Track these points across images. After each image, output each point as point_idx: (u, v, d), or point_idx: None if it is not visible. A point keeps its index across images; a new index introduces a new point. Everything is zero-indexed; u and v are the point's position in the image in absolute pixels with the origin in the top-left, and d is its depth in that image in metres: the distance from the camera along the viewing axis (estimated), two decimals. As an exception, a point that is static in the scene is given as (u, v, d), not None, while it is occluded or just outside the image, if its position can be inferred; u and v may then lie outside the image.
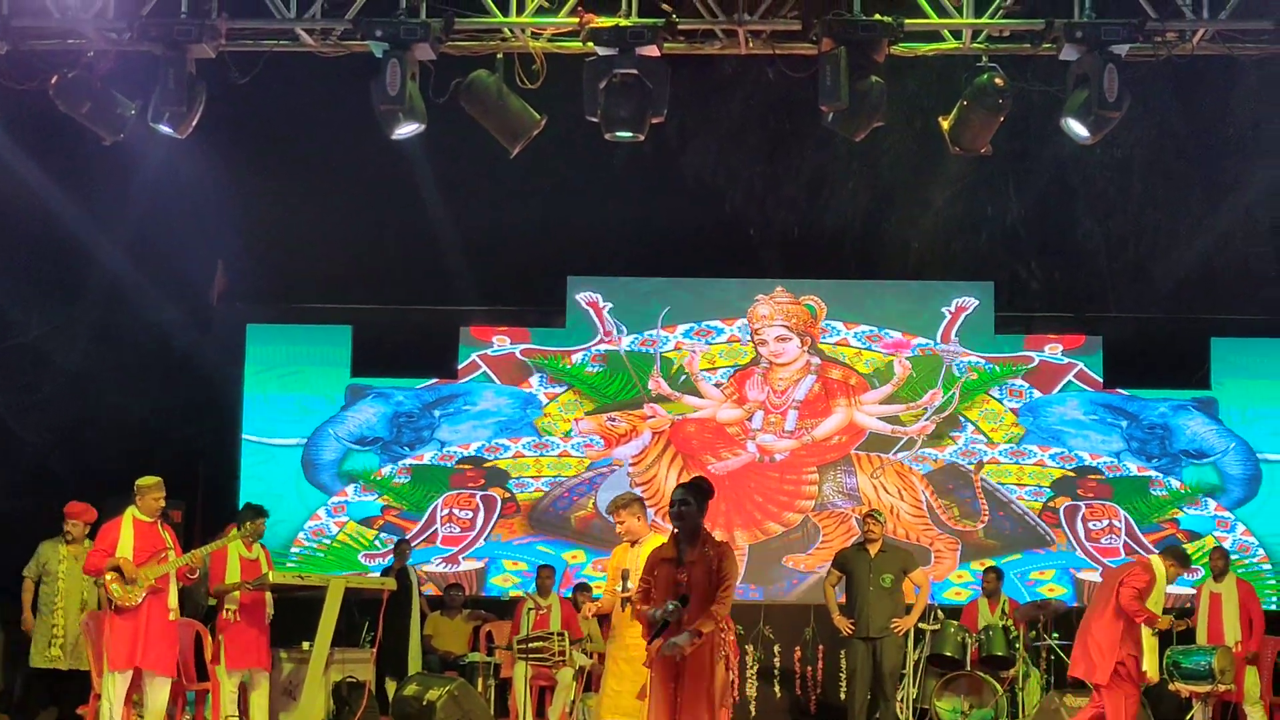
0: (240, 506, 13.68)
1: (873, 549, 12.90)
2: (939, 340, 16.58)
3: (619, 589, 9.55)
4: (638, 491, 14.46)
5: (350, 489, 16.56)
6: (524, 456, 16.62)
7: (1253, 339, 16.60)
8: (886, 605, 12.76)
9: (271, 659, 12.26)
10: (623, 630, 9.63)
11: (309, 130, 14.39)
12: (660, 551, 8.90)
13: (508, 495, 16.52)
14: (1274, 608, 15.25)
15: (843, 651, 14.00)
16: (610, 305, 16.74)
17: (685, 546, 8.73)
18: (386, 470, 16.61)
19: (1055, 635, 14.09)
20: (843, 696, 14.43)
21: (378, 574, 15.27)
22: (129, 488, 11.61)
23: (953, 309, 16.59)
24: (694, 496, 8.76)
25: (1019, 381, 16.56)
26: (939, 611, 14.41)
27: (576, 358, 16.70)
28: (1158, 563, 11.16)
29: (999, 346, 16.61)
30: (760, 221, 16.12)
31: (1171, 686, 12.68)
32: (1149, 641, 11.00)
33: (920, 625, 13.73)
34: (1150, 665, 11.00)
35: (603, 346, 16.70)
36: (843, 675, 14.57)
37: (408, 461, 16.59)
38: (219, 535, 12.24)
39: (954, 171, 14.72)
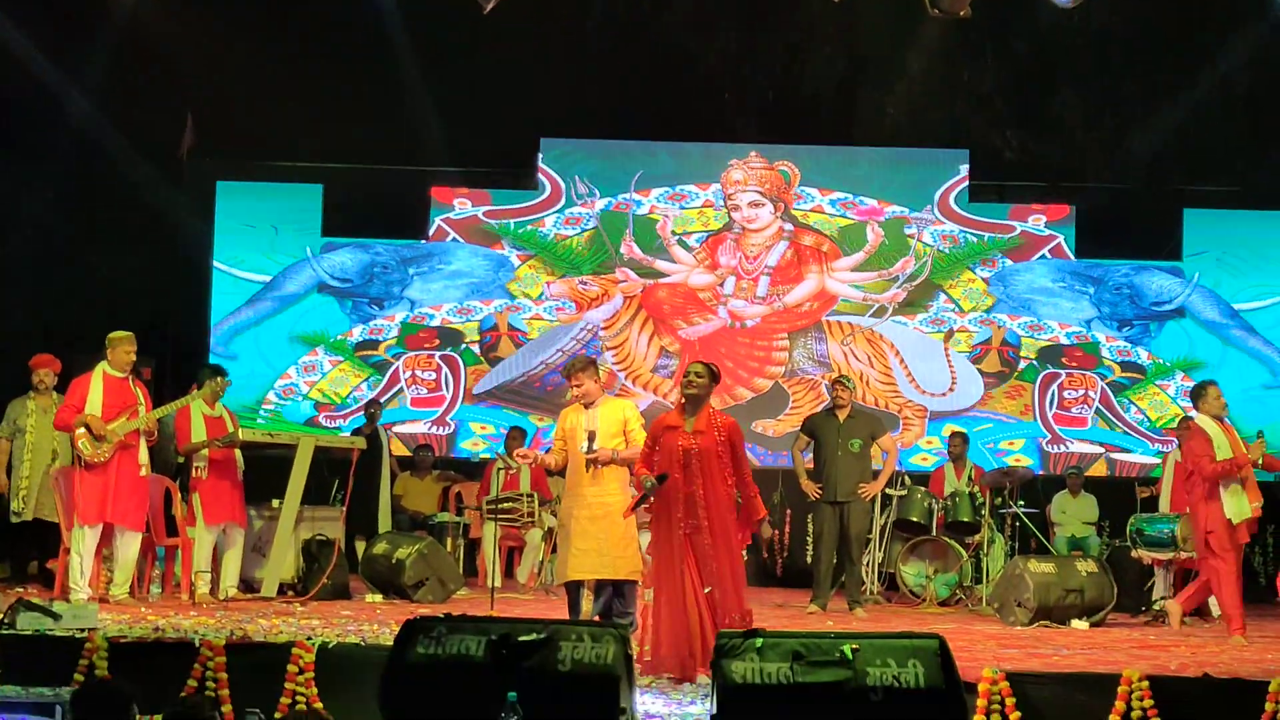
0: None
1: (841, 415, 12.94)
2: (936, 209, 16.55)
3: (583, 449, 9.61)
4: (594, 354, 14.56)
5: (319, 349, 16.54)
6: (487, 318, 16.60)
7: (1226, 210, 16.65)
8: (854, 470, 12.81)
9: (246, 515, 12.27)
10: (584, 489, 9.68)
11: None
12: (666, 420, 9.17)
13: (471, 358, 16.53)
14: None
15: (810, 515, 14.08)
16: (582, 168, 16.66)
17: (690, 417, 9.02)
18: (356, 332, 16.59)
19: (1020, 502, 14.22)
20: (809, 560, 14.55)
21: (347, 434, 15.31)
22: (97, 345, 11.55)
23: (944, 176, 16.55)
24: (708, 373, 9.09)
25: (999, 254, 16.60)
26: (906, 477, 14.54)
27: (549, 222, 16.63)
28: (1200, 420, 11.17)
29: (982, 214, 16.62)
30: (735, 85, 15.96)
31: (1134, 553, 12.83)
32: (1232, 489, 10.98)
33: (887, 490, 13.84)
34: (1237, 508, 10.96)
35: (573, 210, 16.63)
36: (809, 539, 14.69)
37: (375, 323, 16.57)
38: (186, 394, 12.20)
39: (931, 38, 14.57)
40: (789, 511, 15.94)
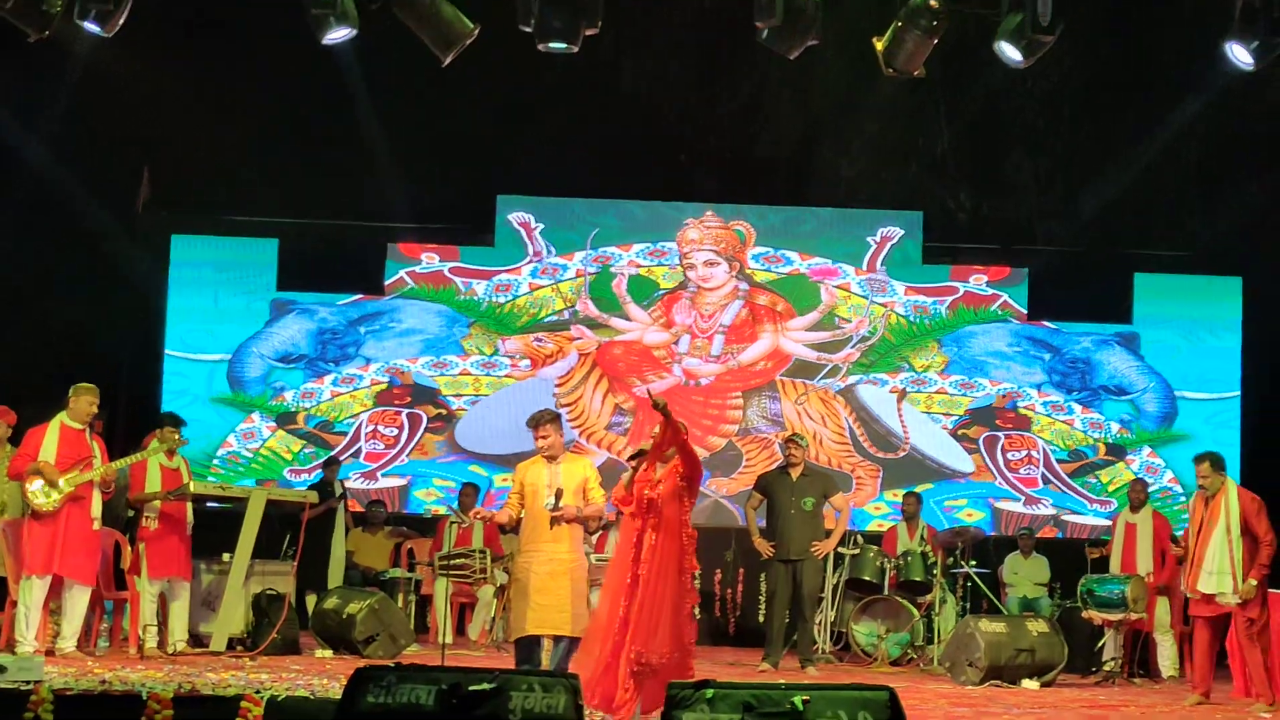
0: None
1: (794, 473, 12.95)
2: (865, 266, 16.66)
3: (548, 505, 9.59)
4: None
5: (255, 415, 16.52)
6: (442, 375, 16.57)
7: (1176, 275, 16.80)
8: (807, 529, 12.81)
9: (192, 569, 12.18)
10: (543, 544, 9.65)
11: (240, 34, 14.15)
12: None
13: (436, 413, 16.48)
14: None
15: (763, 574, 14.07)
16: (540, 225, 16.70)
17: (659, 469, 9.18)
18: (307, 388, 16.53)
19: (972, 562, 14.26)
20: (761, 619, 14.53)
21: (302, 488, 15.24)
22: (49, 395, 11.49)
23: (878, 238, 16.69)
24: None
25: (942, 310, 16.69)
26: (858, 536, 14.55)
27: (502, 279, 16.64)
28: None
29: (926, 276, 16.75)
30: (692, 145, 16.07)
31: (1084, 614, 12.85)
32: None
33: (840, 549, 13.84)
34: None
35: (530, 267, 16.66)
36: (762, 598, 14.66)
37: (331, 381, 16.52)
38: (140, 447, 12.12)
39: (886, 99, 14.68)
40: (741, 570, 15.91)
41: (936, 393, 16.61)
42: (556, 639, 9.75)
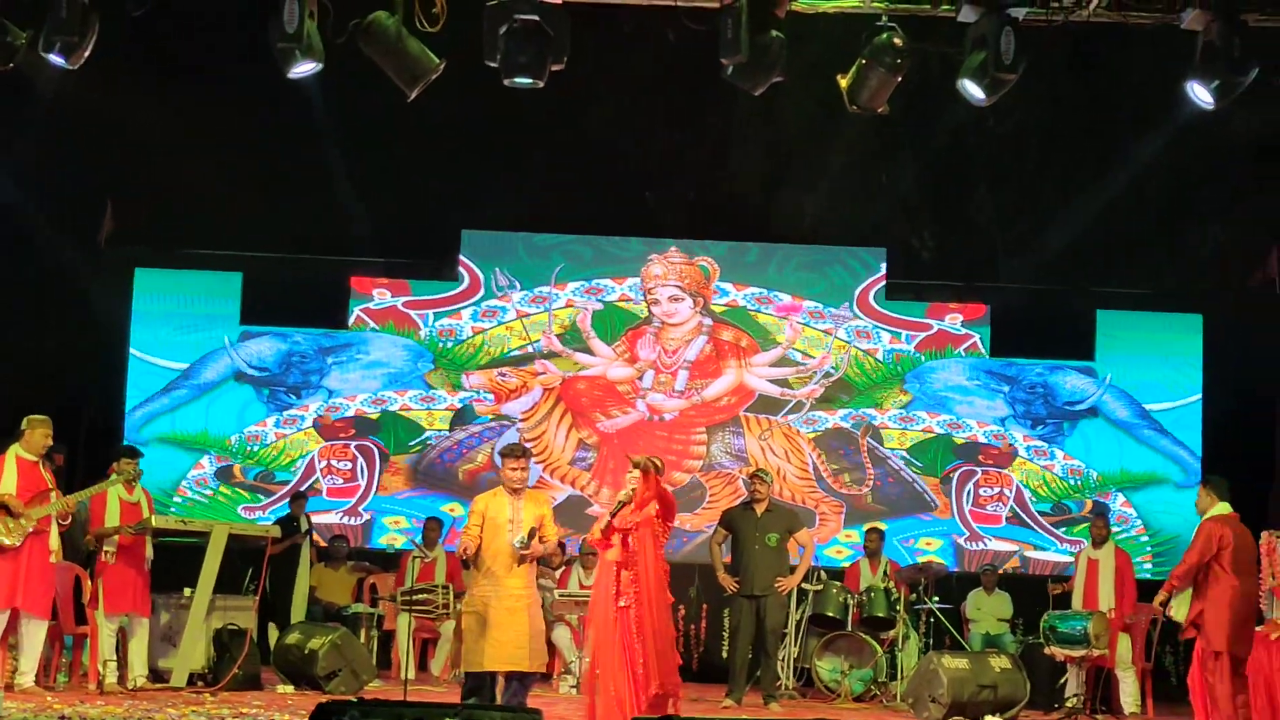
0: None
1: (759, 508, 12.94)
2: (854, 306, 16.69)
3: (518, 542, 9.66)
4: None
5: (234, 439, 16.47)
6: (411, 409, 16.55)
7: (1138, 312, 16.90)
8: (771, 564, 12.80)
9: (151, 604, 12.10)
10: (504, 578, 9.73)
11: (204, 67, 14.15)
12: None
13: (388, 449, 16.46)
14: (1149, 576, 15.49)
15: (726, 610, 14.05)
16: (504, 260, 16.71)
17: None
18: (270, 422, 16.49)
19: (935, 598, 14.27)
20: (725, 655, 14.51)
21: (266, 522, 15.17)
22: (7, 429, 11.41)
23: (862, 274, 16.72)
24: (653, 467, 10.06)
25: (905, 348, 16.75)
26: (822, 572, 14.53)
27: (465, 314, 16.63)
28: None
29: (900, 313, 16.78)
30: (657, 182, 16.11)
31: (1047, 650, 12.87)
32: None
33: (803, 585, 13.83)
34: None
35: (492, 303, 16.66)
36: (725, 633, 14.65)
37: (290, 414, 16.49)
38: (101, 480, 12.05)
39: (851, 137, 14.74)
40: (705, 605, 15.91)
41: (899, 428, 16.64)
42: (509, 675, 9.82)
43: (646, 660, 9.63)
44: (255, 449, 16.49)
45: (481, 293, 16.66)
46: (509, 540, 9.74)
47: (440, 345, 16.59)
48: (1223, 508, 11.06)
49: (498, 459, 10.36)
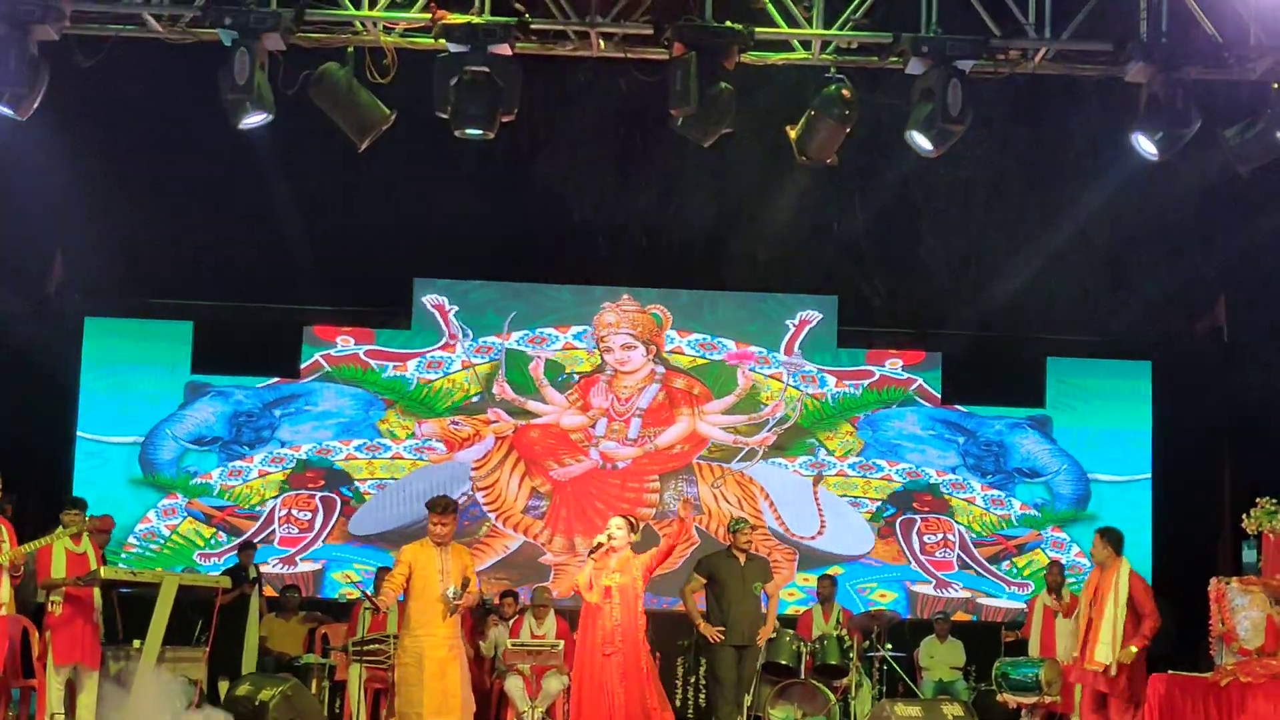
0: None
1: (742, 557, 12.76)
2: (782, 352, 16.78)
3: (451, 593, 9.85)
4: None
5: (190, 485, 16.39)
6: (356, 459, 16.51)
7: (1087, 359, 17.03)
8: (755, 614, 12.60)
9: (100, 656, 11.99)
10: (438, 629, 9.98)
11: (155, 118, 14.11)
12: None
13: (348, 499, 16.41)
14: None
15: (679, 659, 13.90)
16: (456, 309, 16.72)
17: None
18: (220, 472, 16.41)
19: (888, 645, 14.28)
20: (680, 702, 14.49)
21: (215, 573, 15.06)
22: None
23: (796, 322, 16.82)
24: (627, 525, 11.24)
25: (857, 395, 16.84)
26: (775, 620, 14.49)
27: (411, 366, 16.62)
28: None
29: (841, 360, 16.89)
30: (608, 230, 16.14)
31: (1000, 697, 12.90)
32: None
33: (754, 633, 13.79)
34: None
35: (445, 353, 16.65)
36: (679, 681, 14.59)
37: (245, 464, 16.42)
38: (50, 532, 11.96)
39: (801, 185, 14.83)
40: (657, 654, 15.86)
41: (847, 475, 16.70)
42: None
43: (630, 706, 10.50)
44: (228, 483, 16.46)
45: (436, 341, 16.64)
46: (441, 591, 9.90)
47: (412, 384, 16.56)
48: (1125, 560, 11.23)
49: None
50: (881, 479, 16.75)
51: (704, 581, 12.93)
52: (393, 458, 16.54)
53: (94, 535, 12.27)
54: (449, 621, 9.96)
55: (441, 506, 10.31)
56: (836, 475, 16.72)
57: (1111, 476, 16.88)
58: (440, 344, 16.67)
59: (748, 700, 13.45)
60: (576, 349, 16.78)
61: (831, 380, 16.83)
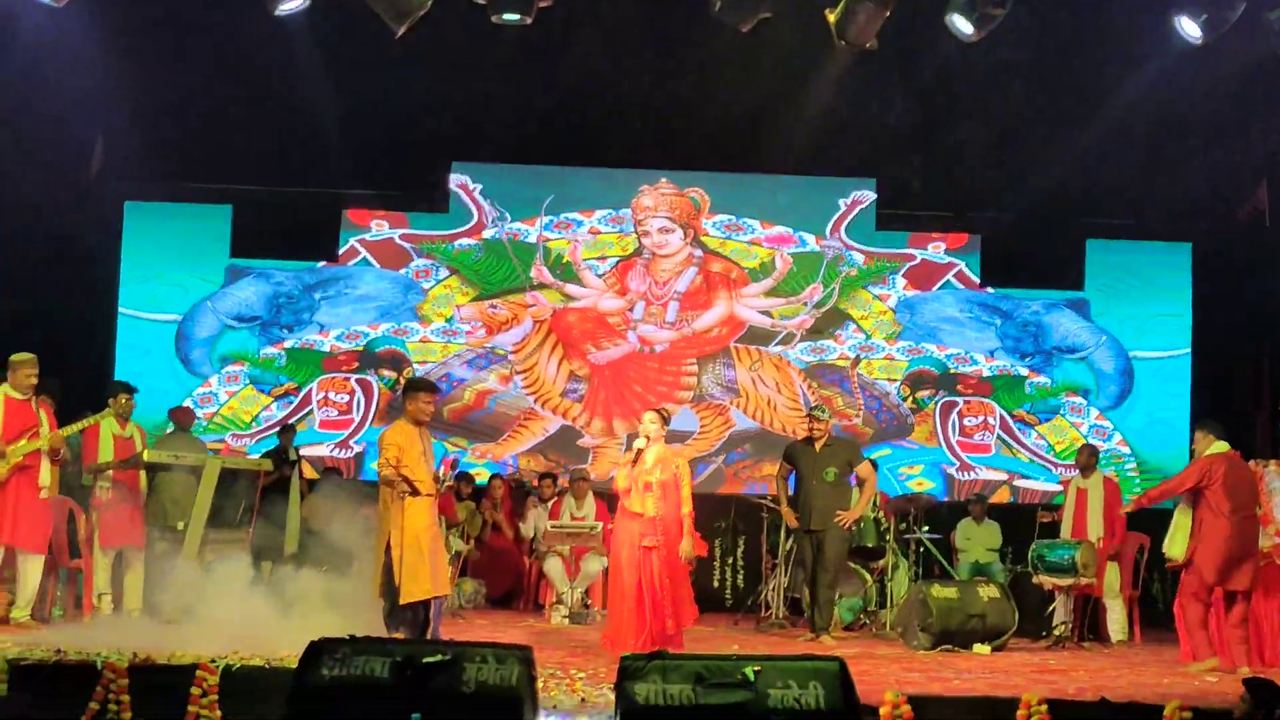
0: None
1: (818, 444, 12.79)
2: (827, 234, 16.75)
3: (453, 476, 10.41)
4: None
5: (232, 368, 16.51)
6: (407, 340, 16.59)
7: (1127, 241, 16.95)
8: (830, 499, 12.59)
9: (145, 537, 12.16)
10: (428, 509, 10.14)
11: (193, 4, 14.09)
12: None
13: (390, 376, 16.50)
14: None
15: (789, 542, 13.93)
16: (493, 192, 16.70)
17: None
18: (265, 351, 16.52)
19: (924, 528, 14.35)
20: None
21: (256, 455, 15.21)
22: (1, 365, 11.44)
23: (848, 201, 16.77)
24: (659, 419, 11.32)
25: (897, 278, 16.81)
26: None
27: (460, 243, 16.66)
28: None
29: (879, 243, 16.85)
30: (646, 112, 16.08)
31: (1035, 579, 12.97)
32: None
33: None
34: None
35: (485, 233, 16.67)
36: (764, 567, 14.67)
37: (286, 345, 16.52)
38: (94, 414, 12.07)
39: (840, 68, 14.71)
40: (743, 537, 16.20)
41: (885, 358, 16.73)
42: (438, 600, 10.29)
43: (660, 600, 10.69)
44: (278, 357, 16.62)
45: (472, 224, 16.65)
46: (430, 469, 10.19)
47: (468, 258, 16.67)
48: (1220, 446, 11.19)
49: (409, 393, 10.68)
50: (919, 360, 16.76)
51: (789, 468, 13.02)
52: (421, 340, 16.59)
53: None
54: (432, 502, 10.15)
55: (431, 386, 10.67)
56: (881, 359, 16.74)
57: (1151, 353, 16.87)
58: (474, 225, 16.66)
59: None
60: (615, 232, 16.76)
61: (866, 266, 16.82)
